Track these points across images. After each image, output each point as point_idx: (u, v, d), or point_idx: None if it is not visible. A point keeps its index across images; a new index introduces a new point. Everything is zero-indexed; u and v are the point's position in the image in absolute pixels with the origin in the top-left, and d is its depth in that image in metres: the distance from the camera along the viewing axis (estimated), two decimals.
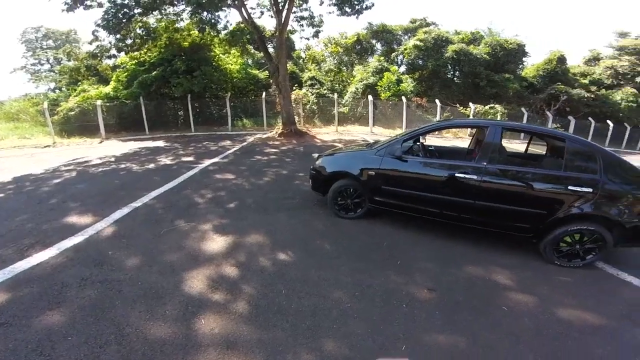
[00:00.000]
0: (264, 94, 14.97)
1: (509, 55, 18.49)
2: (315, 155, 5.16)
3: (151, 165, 7.17)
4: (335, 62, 20.75)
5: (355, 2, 10.95)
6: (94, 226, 3.87)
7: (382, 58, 19.07)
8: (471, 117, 16.31)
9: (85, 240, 3.53)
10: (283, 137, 12.08)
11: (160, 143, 11.02)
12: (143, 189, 5.30)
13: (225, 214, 4.34)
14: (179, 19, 12.50)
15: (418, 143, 4.15)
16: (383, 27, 21.14)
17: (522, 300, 2.87)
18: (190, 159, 7.95)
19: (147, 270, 2.98)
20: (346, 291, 2.80)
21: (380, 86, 16.83)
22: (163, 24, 12.66)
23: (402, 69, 19.87)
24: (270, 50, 13.07)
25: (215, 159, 7.84)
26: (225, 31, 12.33)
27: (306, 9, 12.45)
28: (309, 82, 18.29)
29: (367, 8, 11.17)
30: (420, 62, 18.27)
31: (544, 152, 4.35)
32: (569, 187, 3.24)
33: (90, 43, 11.66)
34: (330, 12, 11.74)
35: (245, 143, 10.86)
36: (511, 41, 18.67)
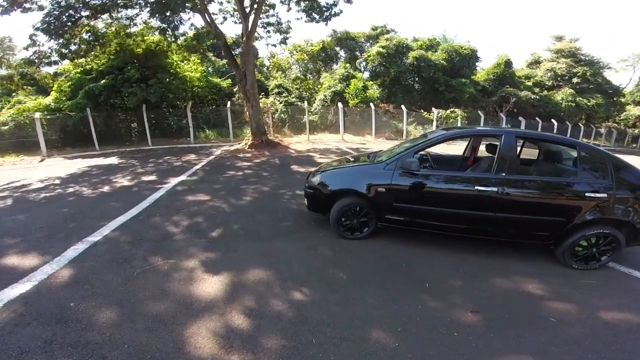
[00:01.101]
0: (228, 103, 14.14)
1: (464, 61, 19.67)
2: (313, 170, 4.61)
3: (106, 188, 6.13)
4: (301, 69, 20.50)
5: (324, 9, 10.75)
6: (43, 269, 3.03)
7: (347, 65, 19.20)
8: (434, 120, 17.01)
9: (34, 288, 2.72)
10: (254, 149, 11.38)
11: (114, 160, 9.74)
12: (100, 218, 4.40)
13: (210, 245, 3.65)
14: (131, 23, 11.32)
15: (425, 155, 3.92)
16: (346, 34, 21.40)
17: (564, 309, 2.79)
18: (153, 177, 7.00)
19: (129, 327, 2.28)
20: (386, 328, 2.39)
21: (348, 93, 16.86)
22: (113, 28, 11.37)
23: (366, 75, 20.19)
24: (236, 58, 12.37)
25: (182, 177, 6.98)
26: (184, 37, 11.38)
27: (273, 15, 12.02)
28: (275, 90, 17.78)
29: (335, 15, 11.04)
30: (382, 68, 18.64)
31: (540, 157, 4.31)
32: (587, 194, 3.27)
33: (27, 48, 9.99)
34: (298, 19, 11.45)
35: (212, 157, 10.00)
36: (465, 47, 19.89)
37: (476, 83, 20.15)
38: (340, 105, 14.89)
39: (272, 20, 12.14)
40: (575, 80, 22.09)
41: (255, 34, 11.53)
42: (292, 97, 17.59)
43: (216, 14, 11.58)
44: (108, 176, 7.17)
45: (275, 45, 13.34)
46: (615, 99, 23.95)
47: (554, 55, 23.86)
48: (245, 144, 11.95)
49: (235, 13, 10.50)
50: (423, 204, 3.58)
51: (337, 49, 21.65)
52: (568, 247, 3.38)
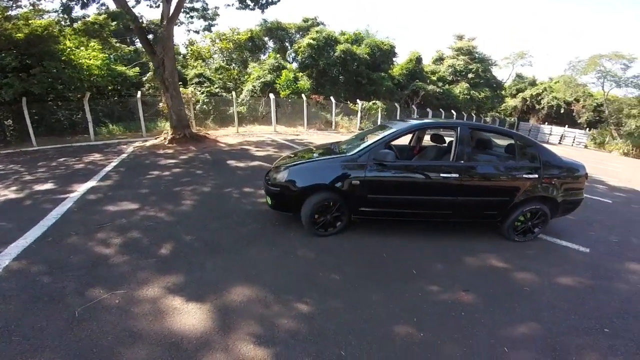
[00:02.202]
0: (138, 93, 12.16)
1: (384, 56, 21.05)
2: (274, 166, 4.15)
3: None
4: (225, 58, 18.97)
5: None
6: None
7: (278, 56, 18.55)
8: (359, 112, 17.91)
9: None
10: (176, 144, 10.06)
11: None
12: None
13: (164, 265, 2.97)
14: (13, 5, 8.63)
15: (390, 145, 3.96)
16: (278, 24, 20.57)
17: (529, 278, 3.22)
18: (50, 186, 5.49)
19: None
20: (403, 322, 2.41)
21: (279, 84, 16.34)
22: None
23: (294, 66, 19.89)
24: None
25: (92, 183, 5.62)
26: (83, 20, 9.17)
27: (197, 0, 10.60)
28: (195, 80, 16.05)
29: (272, 3, 10.28)
30: (311, 60, 18.62)
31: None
32: (524, 176, 3.80)
33: None
34: (229, 5, 10.30)
35: (124, 155, 8.40)
36: (385, 43, 21.26)
37: (393, 77, 21.84)
38: (272, 96, 14.33)
39: (197, 5, 10.73)
40: (470, 75, 25.97)
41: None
42: (216, 88, 16.19)
43: None
44: None
45: (197, 32, 11.83)
46: (498, 92, 29.01)
47: (455, 53, 27.48)
48: (165, 138, 10.48)
49: None
50: (396, 194, 3.66)
51: (266, 39, 20.73)
52: (511, 223, 3.92)
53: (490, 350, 2.22)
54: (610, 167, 13.89)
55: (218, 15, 11.00)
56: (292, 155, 4.49)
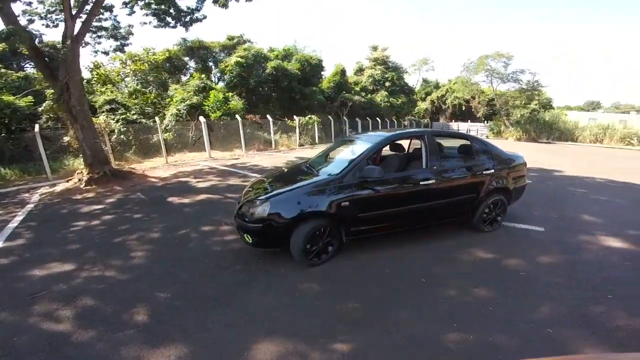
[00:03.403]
0: (36, 126, 9.98)
1: (313, 70, 21.58)
2: (246, 200, 3.59)
3: None
4: (139, 81, 16.99)
5: (184, 13, 9.02)
6: None
7: (203, 76, 17.36)
8: (297, 127, 17.91)
9: None
10: (97, 185, 8.43)
11: None
12: None
13: (151, 336, 2.33)
14: None
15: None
16: (199, 43, 19.27)
17: (517, 264, 3.47)
18: None
19: None
20: (446, 330, 2.42)
21: (208, 106, 15.28)
22: None
23: (220, 85, 18.96)
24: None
25: None
26: None
27: (107, 19, 9.21)
28: (107, 107, 13.99)
29: (197, 20, 9.44)
30: (240, 79, 17.99)
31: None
32: (484, 172, 4.14)
33: None
34: (145, 23, 9.18)
35: (31, 206, 6.68)
36: (314, 57, 21.84)
37: (323, 91, 22.54)
38: (202, 119, 13.27)
39: (107, 23, 9.35)
40: (387, 84, 28.31)
41: None
42: (133, 114, 14.36)
43: (19, 16, 7.91)
44: None
45: (107, 53, 10.30)
46: (411, 97, 32.26)
47: (372, 63, 29.66)
48: (80, 180, 8.72)
49: (51, 15, 7.37)
50: (386, 208, 3.59)
51: (186, 59, 19.24)
52: (479, 216, 4.21)
53: (536, 334, 2.35)
54: (512, 151, 16.50)
55: (132, 34, 9.80)
56: (262, 183, 4.04)
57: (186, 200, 6.55)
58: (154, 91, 16.90)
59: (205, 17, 9.50)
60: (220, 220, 4.98)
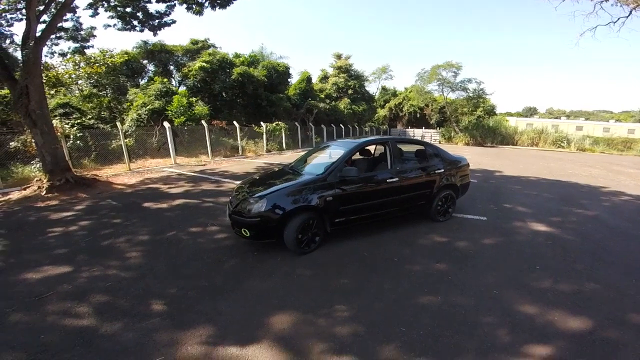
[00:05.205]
0: None
1: (280, 77, 21.95)
2: (243, 198, 4.00)
3: None
4: (93, 84, 16.01)
5: (151, 18, 8.88)
6: None
7: (165, 80, 16.84)
8: (264, 134, 18.12)
9: None
10: (59, 193, 8.02)
11: None
12: None
13: (176, 322, 2.64)
14: None
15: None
16: (161, 46, 18.59)
17: (467, 246, 4.21)
18: None
19: None
20: (420, 294, 3.05)
21: (171, 111, 14.94)
22: None
23: (182, 89, 18.53)
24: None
25: None
26: None
27: (68, 19, 8.76)
28: (60, 111, 13.10)
29: (166, 25, 9.36)
30: (204, 84, 17.78)
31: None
32: (436, 171, 4.99)
33: None
34: (109, 26, 8.90)
35: None
36: (281, 64, 22.21)
37: (289, 97, 23.00)
38: (167, 125, 12.99)
39: (68, 25, 8.90)
40: (350, 91, 29.59)
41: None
42: (89, 119, 13.61)
43: None
44: None
45: (64, 55, 9.76)
46: (371, 104, 33.96)
47: (336, 71, 30.76)
48: (40, 187, 8.23)
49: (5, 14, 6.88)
50: (361, 202, 4.22)
51: (145, 62, 18.46)
52: (435, 208, 5.04)
53: (486, 295, 3.05)
54: (458, 154, 18.41)
55: (94, 36, 9.48)
56: (253, 184, 4.46)
57: (164, 206, 6.61)
58: (109, 95, 16.06)
59: (174, 22, 9.50)
60: (206, 222, 5.23)
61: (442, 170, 5.06)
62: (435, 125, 36.22)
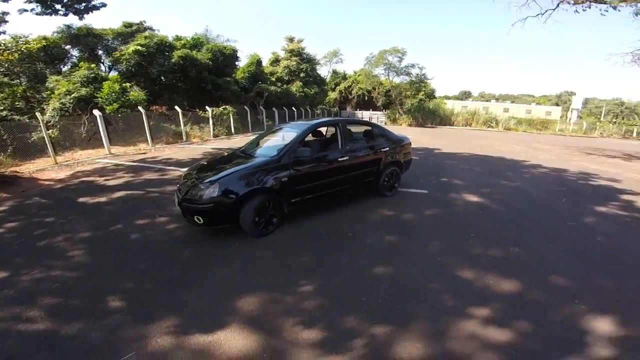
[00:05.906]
0: None
1: (227, 60, 20.70)
2: (192, 184, 3.87)
3: None
4: (1, 72, 13.57)
5: (77, 1, 7.59)
6: None
7: (93, 65, 14.85)
8: (210, 118, 17.24)
9: None
10: None
11: None
12: None
13: (137, 316, 2.56)
14: None
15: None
16: (87, 30, 16.12)
17: (415, 218, 4.70)
18: None
19: None
20: (374, 264, 3.37)
21: (101, 98, 13.39)
22: None
23: (113, 74, 16.63)
24: None
25: None
26: None
27: None
28: None
29: (94, 8, 8.15)
30: (140, 68, 16.12)
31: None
32: (382, 150, 5.37)
33: None
34: (25, 10, 7.47)
35: None
36: (228, 47, 20.87)
37: (237, 81, 21.98)
38: (97, 112, 11.65)
39: None
40: (302, 75, 29.24)
41: None
42: (1, 110, 11.65)
43: None
44: None
45: None
46: (323, 87, 34.04)
47: (288, 55, 29.97)
48: None
49: None
50: (315, 181, 4.40)
51: (68, 47, 15.99)
52: (382, 184, 5.46)
53: (430, 262, 3.43)
54: (402, 134, 19.68)
55: (6, 21, 7.99)
56: (202, 170, 4.32)
57: (102, 199, 6.09)
58: (24, 84, 13.82)
59: (104, 5, 8.40)
60: (153, 214, 4.96)
61: (388, 148, 5.46)
62: (382, 107, 37.75)
